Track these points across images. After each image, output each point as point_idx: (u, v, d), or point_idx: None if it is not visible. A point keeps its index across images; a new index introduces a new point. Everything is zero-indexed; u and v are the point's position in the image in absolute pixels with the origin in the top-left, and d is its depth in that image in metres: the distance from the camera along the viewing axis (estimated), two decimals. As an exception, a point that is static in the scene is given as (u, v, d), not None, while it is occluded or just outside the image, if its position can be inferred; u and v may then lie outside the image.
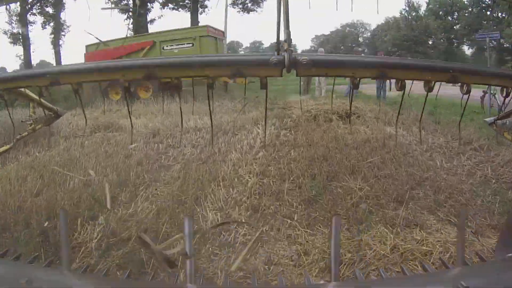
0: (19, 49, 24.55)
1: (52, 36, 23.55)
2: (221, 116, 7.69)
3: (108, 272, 1.61)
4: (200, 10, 26.86)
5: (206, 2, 26.93)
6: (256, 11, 30.53)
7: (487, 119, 3.53)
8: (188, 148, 5.32)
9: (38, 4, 22.21)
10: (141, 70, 1.60)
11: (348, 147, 5.35)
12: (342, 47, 51.85)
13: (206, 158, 4.78)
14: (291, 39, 1.41)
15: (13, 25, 22.20)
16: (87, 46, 13.02)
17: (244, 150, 5.15)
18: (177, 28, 13.01)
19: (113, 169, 4.42)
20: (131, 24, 20.40)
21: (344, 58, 2.37)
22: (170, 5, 25.81)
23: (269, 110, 8.97)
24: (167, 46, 12.20)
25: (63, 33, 24.32)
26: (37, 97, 2.79)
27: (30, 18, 22.15)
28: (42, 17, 22.82)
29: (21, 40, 21.21)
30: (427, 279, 0.91)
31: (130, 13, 21.05)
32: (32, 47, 22.76)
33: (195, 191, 3.57)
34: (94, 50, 12.45)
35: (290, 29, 1.42)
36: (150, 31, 19.80)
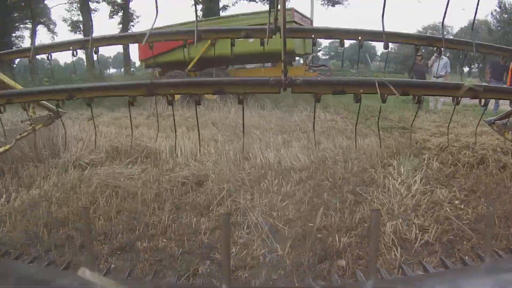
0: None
1: (121, 26, 22.45)
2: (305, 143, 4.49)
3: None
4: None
5: (287, -8, 24.13)
6: (343, 4, 27.12)
7: (487, 120, 3.19)
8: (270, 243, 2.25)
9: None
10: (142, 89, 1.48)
11: None
12: (423, 50, 45.76)
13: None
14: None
15: (73, 12, 21.51)
16: (140, 34, 10.74)
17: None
18: (251, 11, 9.94)
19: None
20: (201, 10, 18.22)
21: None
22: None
23: (386, 131, 5.64)
24: (237, 34, 9.23)
25: (132, 23, 23.12)
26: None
27: (92, 5, 21.21)
28: (110, 7, 21.82)
29: (82, 29, 20.18)
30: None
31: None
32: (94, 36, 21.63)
33: None
34: (150, 39, 10.04)
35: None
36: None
